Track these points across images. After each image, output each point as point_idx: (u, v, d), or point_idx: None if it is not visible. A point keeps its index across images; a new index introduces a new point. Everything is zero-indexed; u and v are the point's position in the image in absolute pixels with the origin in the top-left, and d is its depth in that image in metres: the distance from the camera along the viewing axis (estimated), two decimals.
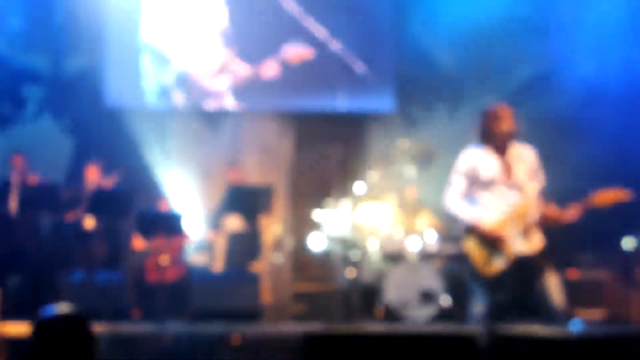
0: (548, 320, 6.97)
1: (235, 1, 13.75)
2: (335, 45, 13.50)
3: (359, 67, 13.58)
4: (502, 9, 13.69)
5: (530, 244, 7.09)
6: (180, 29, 13.66)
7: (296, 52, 13.28)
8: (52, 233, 11.75)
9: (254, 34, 13.60)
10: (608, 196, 6.93)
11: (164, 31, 13.64)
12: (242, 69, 13.46)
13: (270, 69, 13.35)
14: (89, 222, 11.53)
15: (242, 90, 13.58)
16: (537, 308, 7.14)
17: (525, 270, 7.13)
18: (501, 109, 7.27)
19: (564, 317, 7.05)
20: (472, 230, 7.15)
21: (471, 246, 7.25)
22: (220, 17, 13.65)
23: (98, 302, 9.97)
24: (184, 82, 13.56)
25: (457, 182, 7.29)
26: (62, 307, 4.06)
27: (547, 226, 7.07)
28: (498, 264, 7.06)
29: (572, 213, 6.99)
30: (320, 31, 13.48)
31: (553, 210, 7.10)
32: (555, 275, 7.03)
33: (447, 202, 7.34)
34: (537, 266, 7.08)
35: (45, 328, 3.97)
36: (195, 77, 13.57)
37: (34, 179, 11.60)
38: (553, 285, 6.98)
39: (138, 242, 11.75)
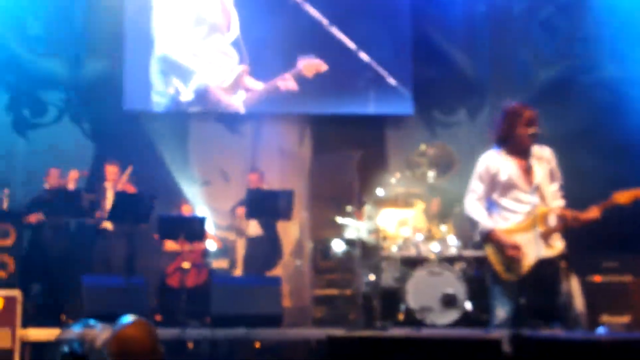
0: (569, 325, 6.93)
1: (250, 13, 13.77)
2: (354, 50, 13.51)
3: (379, 71, 13.56)
4: (523, 11, 13.70)
5: (551, 248, 7.03)
6: (193, 41, 13.73)
7: (310, 64, 13.27)
8: (73, 237, 11.81)
9: (269, 46, 13.64)
10: (628, 195, 6.87)
11: (177, 43, 13.70)
12: (257, 84, 13.49)
13: (286, 83, 13.36)
14: (109, 226, 11.58)
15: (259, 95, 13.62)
16: (559, 312, 7.09)
17: (546, 274, 7.07)
18: (524, 109, 7.18)
19: (585, 321, 7.01)
20: (489, 238, 7.10)
21: (490, 252, 7.21)
22: (234, 29, 13.69)
23: (118, 307, 9.97)
24: (199, 94, 13.63)
25: (476, 187, 7.22)
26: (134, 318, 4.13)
27: (569, 227, 7.00)
28: (518, 269, 7.02)
29: (593, 212, 6.92)
30: (337, 36, 13.49)
31: (573, 212, 7.05)
32: (576, 279, 6.99)
33: (467, 206, 7.28)
34: (558, 270, 7.03)
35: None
36: (211, 90, 13.62)
37: (70, 182, 11.69)
38: (574, 289, 6.93)
39: (167, 245, 11.82)
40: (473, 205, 7.19)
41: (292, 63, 13.54)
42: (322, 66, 13.25)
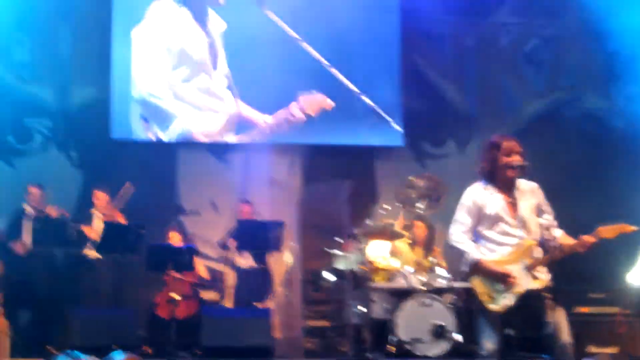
0: (557, 356, 6.94)
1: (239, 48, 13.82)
2: (344, 83, 13.56)
3: (368, 103, 13.62)
4: (509, 44, 13.82)
5: (536, 280, 7.05)
6: (174, 81, 13.66)
7: (314, 101, 13.26)
8: (62, 267, 11.75)
9: (261, 81, 13.64)
10: (613, 230, 6.91)
11: (157, 84, 13.64)
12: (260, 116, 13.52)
13: (296, 114, 13.41)
14: (97, 256, 11.52)
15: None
16: (546, 343, 7.11)
17: (532, 306, 7.10)
18: (502, 140, 7.22)
19: (572, 352, 7.03)
20: (476, 268, 7.12)
21: (477, 283, 7.22)
22: (221, 66, 13.73)
23: (108, 338, 9.93)
24: (186, 139, 13.69)
25: (462, 218, 7.24)
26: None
27: (555, 259, 7.03)
28: (505, 301, 7.04)
29: (584, 242, 6.95)
30: (326, 68, 13.54)
31: (566, 239, 7.08)
32: (562, 311, 7.00)
33: (452, 238, 7.29)
34: (544, 301, 7.05)
35: None
36: (195, 136, 13.67)
37: (51, 210, 11.62)
38: (560, 321, 6.95)
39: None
40: (459, 237, 7.20)
41: (286, 98, 13.59)
42: (328, 103, 13.24)
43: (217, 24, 13.72)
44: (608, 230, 6.84)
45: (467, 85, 14.32)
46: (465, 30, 14.28)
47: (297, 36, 13.53)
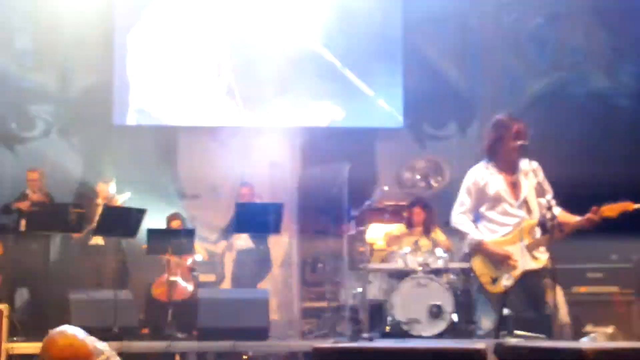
0: (555, 335, 6.92)
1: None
2: (342, 68, 13.53)
3: (368, 83, 13.58)
4: (512, 23, 13.72)
5: (536, 260, 7.04)
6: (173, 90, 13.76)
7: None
8: (61, 251, 11.75)
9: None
10: (615, 208, 6.88)
11: (155, 94, 13.74)
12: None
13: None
14: (99, 241, 11.54)
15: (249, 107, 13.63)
16: (544, 323, 7.09)
17: (531, 286, 7.09)
18: (512, 122, 7.19)
19: (570, 331, 7.02)
20: (477, 248, 7.10)
21: (477, 264, 7.22)
22: (225, 74, 13.72)
23: (106, 320, 9.93)
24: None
25: (463, 199, 7.25)
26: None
27: (562, 235, 6.99)
28: (504, 282, 7.02)
29: (586, 219, 6.93)
30: (325, 55, 13.53)
31: (567, 218, 7.05)
32: (560, 291, 6.98)
33: (454, 218, 7.29)
34: (543, 281, 7.03)
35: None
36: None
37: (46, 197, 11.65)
38: (559, 301, 6.93)
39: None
40: (460, 218, 7.21)
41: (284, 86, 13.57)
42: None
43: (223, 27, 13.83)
44: (611, 209, 6.86)
45: (469, 66, 14.23)
46: (467, 10, 14.18)
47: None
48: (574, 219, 7.03)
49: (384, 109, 13.65)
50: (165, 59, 13.61)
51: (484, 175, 7.18)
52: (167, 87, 13.54)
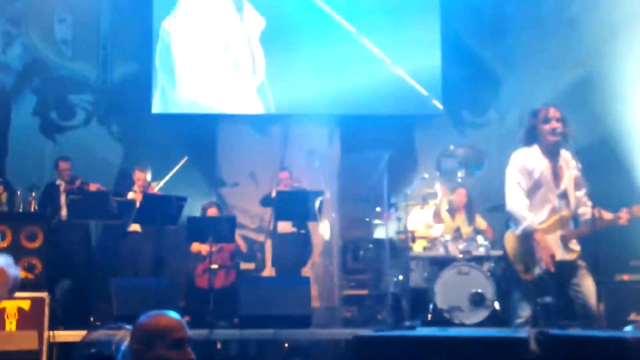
0: (587, 324, 6.91)
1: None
2: (384, 60, 13.52)
3: (407, 70, 13.56)
4: (551, 10, 13.62)
5: (570, 251, 7.04)
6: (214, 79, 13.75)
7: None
8: (101, 239, 11.83)
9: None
10: None
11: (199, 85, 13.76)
12: None
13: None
14: (137, 228, 11.60)
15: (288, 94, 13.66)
16: (577, 312, 7.09)
17: (564, 276, 7.08)
18: (542, 108, 7.20)
19: (601, 320, 7.01)
20: (535, 236, 7.06)
21: (512, 251, 7.22)
22: (260, 73, 13.74)
23: (148, 309, 9.96)
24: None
25: (519, 180, 7.18)
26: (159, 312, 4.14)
27: (600, 229, 6.98)
28: (537, 269, 7.02)
29: (624, 218, 6.93)
30: (367, 46, 13.53)
31: (606, 215, 7.04)
32: (591, 280, 6.96)
33: (511, 201, 7.22)
34: (577, 271, 7.03)
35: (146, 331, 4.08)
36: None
37: (88, 185, 11.71)
38: (590, 290, 6.91)
39: (193, 246, 11.83)
40: (519, 201, 7.16)
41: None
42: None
43: (254, 19, 13.73)
44: None
45: (507, 53, 14.16)
46: None
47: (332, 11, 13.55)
48: (607, 215, 7.02)
49: (424, 95, 13.58)
50: (203, 47, 13.59)
51: (530, 156, 7.18)
52: (206, 74, 13.51)
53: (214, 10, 13.74)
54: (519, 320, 7.15)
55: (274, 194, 11.65)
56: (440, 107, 13.69)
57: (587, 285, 6.91)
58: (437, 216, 11.66)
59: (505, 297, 10.28)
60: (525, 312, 7.16)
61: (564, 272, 7.05)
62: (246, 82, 13.60)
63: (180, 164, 11.94)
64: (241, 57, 13.62)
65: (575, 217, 7.14)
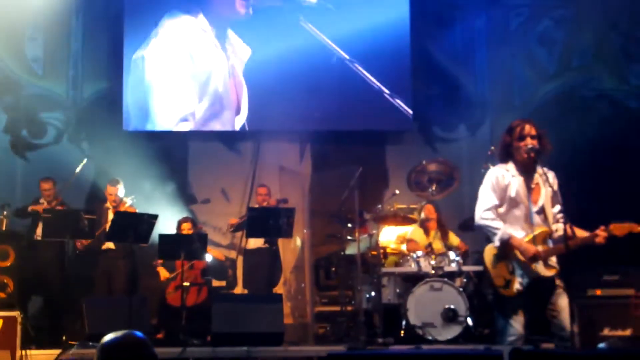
0: (561, 342, 6.93)
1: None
2: (355, 68, 13.51)
3: (380, 88, 13.56)
4: (520, 26, 13.72)
5: (548, 268, 7.05)
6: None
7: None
8: (73, 257, 11.78)
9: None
10: (623, 228, 6.93)
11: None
12: None
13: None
14: (111, 246, 11.57)
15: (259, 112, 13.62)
16: (551, 329, 7.10)
17: (541, 292, 7.08)
18: (517, 124, 7.21)
19: (575, 338, 7.02)
20: (512, 242, 7.06)
21: (492, 266, 7.22)
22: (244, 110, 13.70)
23: (120, 326, 9.91)
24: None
25: (489, 196, 7.19)
26: (124, 332, 4.13)
27: (574, 247, 7.00)
28: (517, 285, 7.02)
29: (601, 236, 6.95)
30: (338, 54, 13.53)
31: (582, 233, 7.06)
32: (566, 298, 6.97)
33: (480, 215, 7.23)
34: (554, 288, 7.04)
35: (110, 353, 4.05)
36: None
37: (60, 204, 11.69)
38: (565, 309, 6.92)
39: (161, 270, 11.82)
40: (487, 214, 7.16)
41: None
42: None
43: (240, 49, 13.74)
44: (618, 228, 6.88)
45: (478, 69, 14.24)
46: (475, 13, 14.19)
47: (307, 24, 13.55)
48: (583, 234, 7.04)
49: (394, 111, 13.59)
50: (175, 64, 13.54)
51: (505, 175, 7.17)
52: (176, 92, 13.47)
53: (188, 25, 13.69)
54: (511, 338, 7.11)
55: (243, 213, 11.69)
56: (409, 111, 13.65)
57: (563, 306, 6.91)
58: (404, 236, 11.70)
59: (478, 312, 10.33)
60: (514, 329, 7.14)
61: (543, 288, 7.06)
62: (221, 92, 13.60)
63: (81, 166, 11.97)
64: (216, 67, 13.61)
65: (551, 234, 7.15)
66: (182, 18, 13.66)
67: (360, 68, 13.56)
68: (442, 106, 14.01)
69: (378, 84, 13.56)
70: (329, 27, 13.70)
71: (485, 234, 7.29)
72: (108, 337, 4.11)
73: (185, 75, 13.51)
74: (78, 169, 12.01)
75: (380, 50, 13.76)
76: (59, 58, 13.92)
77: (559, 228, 6.99)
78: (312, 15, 13.72)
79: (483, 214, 7.19)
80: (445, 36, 14.21)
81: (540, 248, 7.01)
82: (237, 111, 13.58)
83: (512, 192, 7.11)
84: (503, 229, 7.06)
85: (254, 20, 13.70)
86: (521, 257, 6.99)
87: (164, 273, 11.89)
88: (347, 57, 13.56)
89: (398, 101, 13.60)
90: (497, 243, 7.15)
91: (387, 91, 13.58)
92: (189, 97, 13.49)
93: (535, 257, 6.96)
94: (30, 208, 11.81)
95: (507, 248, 7.08)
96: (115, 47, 13.78)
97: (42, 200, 11.86)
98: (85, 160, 12.10)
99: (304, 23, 13.58)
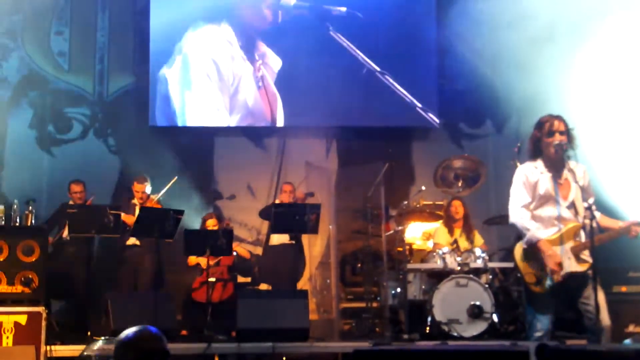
0: (596, 337, 6.89)
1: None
2: (381, 73, 13.49)
3: (404, 83, 13.52)
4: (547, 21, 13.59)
5: (581, 263, 7.01)
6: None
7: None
8: (99, 253, 11.81)
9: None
10: None
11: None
12: None
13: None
14: (136, 242, 11.58)
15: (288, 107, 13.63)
16: (586, 325, 7.06)
17: (574, 288, 7.05)
18: (546, 120, 7.17)
19: (610, 334, 6.97)
20: (539, 245, 7.04)
21: (522, 263, 7.19)
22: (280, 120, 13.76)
23: (145, 323, 9.90)
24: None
25: (521, 194, 7.18)
26: (139, 327, 4.19)
27: (607, 240, 6.97)
28: (549, 281, 6.99)
29: (627, 227, 6.94)
30: (363, 60, 13.50)
31: (615, 224, 7.04)
32: (602, 292, 6.93)
33: (513, 213, 7.22)
34: (587, 283, 7.00)
35: (126, 348, 4.10)
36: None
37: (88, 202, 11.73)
38: (601, 303, 6.87)
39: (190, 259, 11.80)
40: (521, 212, 7.16)
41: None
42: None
43: (271, 60, 13.76)
44: None
45: (504, 64, 14.14)
46: (501, 8, 14.10)
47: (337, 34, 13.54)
48: (617, 224, 7.02)
49: (420, 108, 13.55)
50: (201, 81, 13.56)
51: (534, 172, 7.16)
52: (204, 88, 13.48)
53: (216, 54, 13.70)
54: (538, 334, 7.10)
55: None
56: (437, 121, 13.64)
57: (599, 299, 6.86)
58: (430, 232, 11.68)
59: (503, 309, 10.28)
60: (542, 324, 7.12)
61: (575, 284, 7.03)
62: (249, 87, 13.64)
63: (170, 184, 11.90)
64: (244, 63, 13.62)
65: (584, 228, 7.11)
66: (206, 29, 13.68)
67: (391, 80, 13.51)
68: (468, 102, 13.95)
69: (410, 97, 13.53)
70: (352, 25, 13.64)
71: (517, 232, 7.29)
72: (124, 333, 4.16)
73: (213, 89, 13.53)
74: (167, 187, 11.93)
75: (407, 49, 13.74)
76: (85, 53, 13.96)
77: (597, 218, 6.95)
78: (341, 25, 13.67)
79: (518, 211, 7.19)
80: (471, 31, 14.11)
81: (570, 244, 6.99)
82: (273, 123, 13.63)
83: (541, 190, 7.10)
84: (532, 231, 7.05)
85: (283, 30, 13.69)
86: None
87: (192, 258, 11.84)
88: (377, 68, 13.52)
89: (430, 115, 13.57)
90: (524, 243, 7.14)
91: (419, 105, 13.55)
92: (220, 112, 13.53)
93: (557, 266, 6.93)
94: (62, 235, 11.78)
95: (534, 248, 7.06)
96: (142, 42, 13.82)
97: (71, 204, 11.81)
98: (175, 178, 12.01)
99: (333, 33, 13.55)
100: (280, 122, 13.61)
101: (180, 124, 13.51)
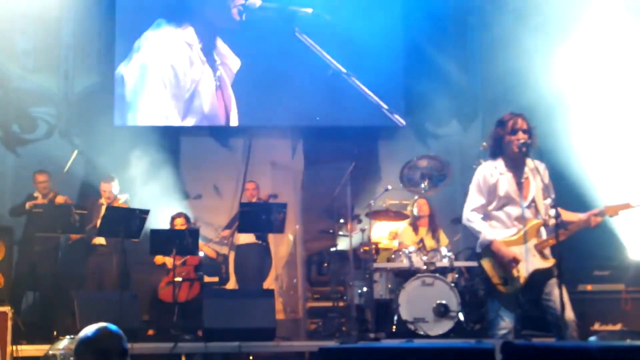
0: (561, 334, 6.91)
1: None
2: (346, 74, 13.50)
3: (370, 82, 13.54)
4: (513, 21, 13.64)
5: (546, 260, 7.04)
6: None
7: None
8: (65, 252, 11.75)
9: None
10: (617, 208, 6.96)
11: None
12: None
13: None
14: (102, 241, 11.53)
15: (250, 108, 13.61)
16: (551, 322, 7.09)
17: (539, 285, 7.07)
18: (508, 118, 7.18)
19: (576, 330, 6.99)
20: (489, 249, 7.08)
21: (488, 264, 7.20)
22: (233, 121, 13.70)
23: (110, 321, 9.85)
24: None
25: (475, 196, 7.20)
26: (99, 325, 4.19)
27: (567, 235, 7.00)
28: (514, 283, 7.01)
29: (588, 218, 6.98)
30: (328, 60, 13.51)
31: (575, 216, 7.08)
32: (565, 290, 6.96)
33: (466, 215, 7.25)
34: (551, 281, 7.03)
35: (85, 346, 4.10)
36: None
37: (59, 198, 11.65)
38: (565, 300, 6.90)
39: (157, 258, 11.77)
40: (472, 216, 7.18)
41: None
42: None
43: (229, 60, 13.73)
44: (612, 209, 6.91)
45: (470, 64, 14.21)
46: (467, 8, 14.17)
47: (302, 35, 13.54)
48: (577, 216, 7.06)
49: (386, 110, 13.57)
50: (156, 82, 13.52)
51: (493, 173, 7.16)
52: (156, 94, 13.45)
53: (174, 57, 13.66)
54: (502, 332, 7.11)
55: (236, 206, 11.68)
56: (403, 122, 13.68)
57: (558, 295, 6.89)
58: (396, 232, 11.71)
59: (469, 308, 10.32)
60: (505, 322, 7.13)
61: (541, 280, 7.05)
62: (213, 87, 13.59)
63: (72, 157, 11.95)
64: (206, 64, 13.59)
65: (546, 225, 7.13)
66: (166, 30, 13.64)
67: (357, 81, 13.53)
68: (434, 101, 13.97)
69: (376, 98, 13.55)
70: (325, 38, 13.67)
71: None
72: (83, 332, 4.16)
73: (165, 96, 13.54)
74: (70, 161, 11.93)
75: (374, 50, 13.72)
76: (50, 51, 13.85)
77: (552, 219, 6.98)
78: (307, 26, 13.66)
79: (469, 214, 7.22)
80: (438, 31, 14.17)
81: (534, 241, 7.01)
82: (227, 124, 13.62)
83: (501, 191, 7.10)
84: (483, 234, 7.08)
85: (246, 31, 13.67)
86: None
87: (159, 257, 11.81)
88: (343, 70, 13.53)
89: (396, 116, 13.59)
90: (478, 249, 7.19)
91: (385, 106, 13.56)
92: (171, 115, 13.50)
93: (513, 261, 6.96)
94: (27, 205, 11.72)
95: (491, 252, 7.10)
96: (107, 41, 13.74)
97: (36, 194, 11.78)
98: (76, 152, 12.01)
99: (299, 34, 13.54)
100: (234, 123, 13.57)
101: (131, 124, 13.49)
